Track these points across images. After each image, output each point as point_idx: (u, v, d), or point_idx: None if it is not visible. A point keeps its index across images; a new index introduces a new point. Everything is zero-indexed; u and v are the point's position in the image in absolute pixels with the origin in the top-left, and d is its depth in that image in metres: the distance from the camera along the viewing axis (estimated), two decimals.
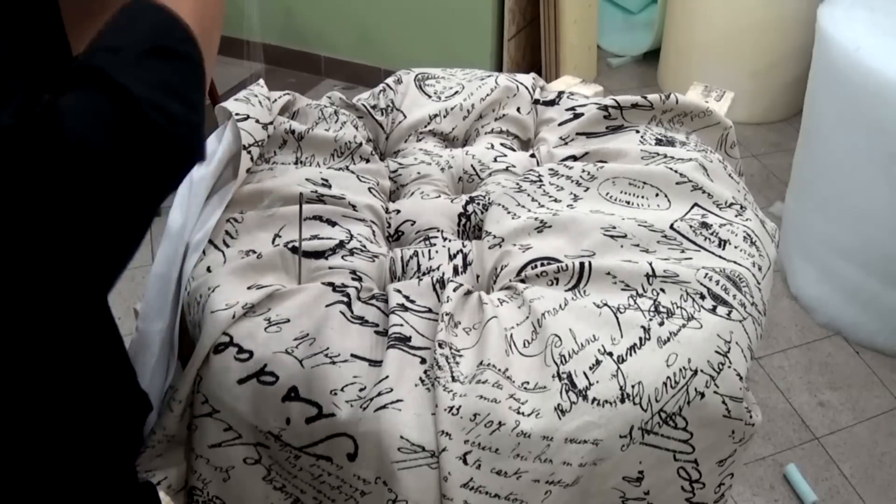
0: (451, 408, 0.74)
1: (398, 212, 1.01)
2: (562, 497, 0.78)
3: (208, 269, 0.87)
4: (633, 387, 0.77)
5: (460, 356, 0.79)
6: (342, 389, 0.76)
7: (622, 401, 0.76)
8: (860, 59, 1.70)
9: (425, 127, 1.14)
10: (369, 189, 1.01)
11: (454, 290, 0.84)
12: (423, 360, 0.78)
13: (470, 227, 1.00)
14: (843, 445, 1.70)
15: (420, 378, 0.77)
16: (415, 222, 0.99)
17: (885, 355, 1.92)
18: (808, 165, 2.00)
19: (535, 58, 2.93)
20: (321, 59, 3.08)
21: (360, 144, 1.06)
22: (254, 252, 0.89)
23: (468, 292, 0.87)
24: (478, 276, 0.92)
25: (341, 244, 0.90)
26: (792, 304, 2.06)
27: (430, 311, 0.84)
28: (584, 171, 1.01)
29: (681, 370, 0.79)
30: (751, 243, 0.94)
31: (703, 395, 0.79)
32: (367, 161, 1.07)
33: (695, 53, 2.78)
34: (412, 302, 0.84)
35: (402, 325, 0.81)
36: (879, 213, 1.77)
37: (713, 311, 0.84)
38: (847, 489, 1.62)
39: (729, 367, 0.81)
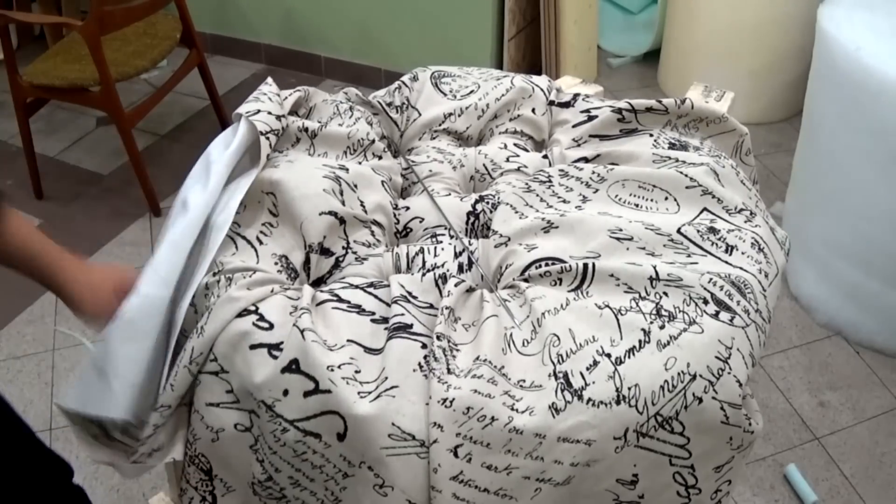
0: (445, 400, 0.74)
1: (408, 209, 1.01)
2: (551, 495, 0.78)
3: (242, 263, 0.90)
4: (629, 389, 0.77)
5: (458, 350, 0.79)
6: (339, 367, 0.77)
7: (618, 402, 0.76)
8: (860, 59, 1.70)
9: (440, 125, 1.15)
10: (382, 182, 1.02)
11: (455, 286, 0.85)
12: (424, 346, 0.79)
13: (478, 226, 1.00)
14: (844, 445, 1.70)
15: (419, 363, 0.77)
16: (423, 219, 1.00)
17: (885, 355, 1.91)
18: (808, 165, 2.01)
19: (535, 58, 2.93)
20: (321, 59, 3.08)
21: (373, 141, 1.07)
22: (286, 258, 0.92)
23: (470, 289, 0.87)
24: (482, 275, 0.92)
25: (337, 264, 0.92)
26: (792, 304, 2.06)
27: (431, 306, 0.84)
28: (594, 172, 1.01)
29: (679, 374, 0.79)
30: (758, 250, 0.93)
31: (700, 400, 0.79)
32: (380, 158, 1.07)
33: (695, 53, 2.78)
34: (414, 298, 0.84)
35: (403, 314, 0.81)
36: (879, 213, 1.77)
37: (716, 316, 0.84)
38: (847, 489, 1.62)
39: (729, 373, 0.81)
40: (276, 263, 0.91)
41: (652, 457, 0.80)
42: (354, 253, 0.93)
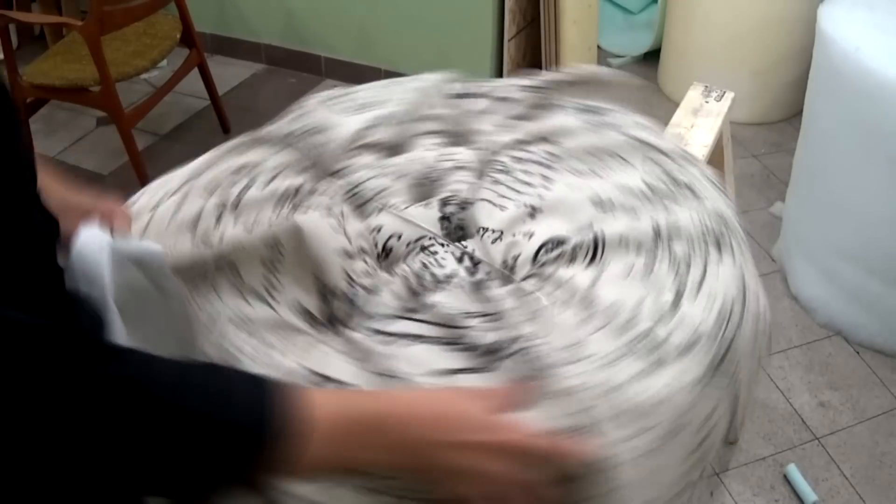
0: (584, 387, 0.76)
1: (379, 229, 0.98)
2: (680, 444, 0.83)
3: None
4: (694, 332, 0.83)
5: (546, 344, 0.80)
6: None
7: (692, 347, 0.82)
8: (860, 59, 1.70)
9: (358, 142, 1.11)
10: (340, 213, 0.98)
11: (499, 288, 0.85)
12: (523, 350, 0.79)
13: (451, 229, 1.00)
14: (844, 445, 1.70)
15: (535, 367, 0.77)
16: (401, 235, 0.99)
17: (886, 355, 1.91)
18: (808, 165, 2.00)
19: (535, 58, 2.93)
20: (321, 59, 3.08)
21: (301, 185, 1.01)
22: (309, 313, 0.86)
23: (510, 287, 0.87)
24: (488, 272, 0.93)
25: (349, 301, 0.88)
26: (792, 304, 2.06)
27: (485, 314, 0.84)
28: (545, 152, 1.04)
29: (722, 307, 0.86)
30: (712, 184, 1.01)
31: (740, 324, 0.88)
32: (312, 195, 1.01)
33: (695, 53, 2.78)
34: (472, 313, 0.83)
35: (482, 331, 0.80)
36: (879, 213, 1.77)
37: (719, 252, 0.91)
38: (847, 489, 1.62)
39: (749, 295, 0.90)
40: (296, 312, 0.86)
41: (720, 388, 0.86)
42: (361, 286, 0.89)
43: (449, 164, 1.09)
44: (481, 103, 1.19)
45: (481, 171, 1.12)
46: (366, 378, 0.76)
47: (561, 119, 1.11)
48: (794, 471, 1.62)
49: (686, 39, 2.80)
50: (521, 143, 1.09)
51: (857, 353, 1.93)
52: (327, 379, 0.76)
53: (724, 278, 0.89)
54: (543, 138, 1.09)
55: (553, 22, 2.72)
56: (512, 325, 0.81)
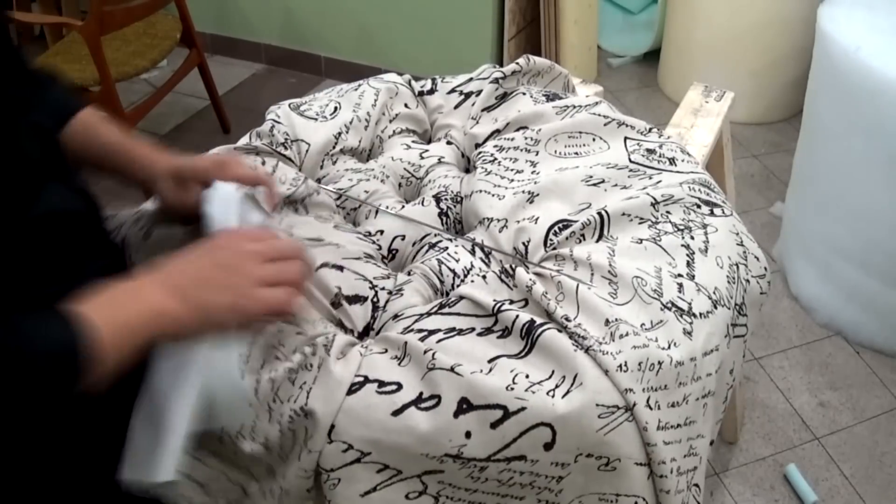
0: (620, 366, 0.77)
1: (381, 232, 0.98)
2: (710, 406, 0.86)
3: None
4: (714, 293, 0.87)
5: (586, 324, 0.81)
6: (514, 382, 0.75)
7: (715, 307, 0.87)
8: (860, 59, 1.70)
9: (334, 147, 1.11)
10: (335, 227, 0.98)
11: (521, 273, 0.85)
12: (559, 331, 0.79)
13: (450, 224, 1.01)
14: (844, 445, 1.70)
15: (572, 346, 0.78)
16: (405, 236, 0.98)
17: (886, 355, 1.91)
18: (808, 165, 2.00)
19: None
20: (321, 59, 3.08)
21: (296, 192, 1.00)
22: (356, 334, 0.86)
23: (532, 270, 0.88)
24: (501, 261, 0.93)
25: (374, 307, 0.87)
26: (792, 304, 2.06)
27: (513, 301, 0.84)
28: (526, 138, 1.06)
29: (730, 268, 0.91)
30: (687, 154, 1.05)
31: (748, 281, 0.93)
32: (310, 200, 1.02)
33: (695, 53, 2.78)
34: (505, 301, 0.84)
35: (517, 314, 0.80)
36: (879, 213, 1.77)
37: (712, 213, 0.95)
38: (847, 489, 1.62)
39: (749, 252, 0.95)
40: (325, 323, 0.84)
41: (738, 341, 0.91)
42: (383, 289, 0.89)
43: (432, 161, 1.10)
44: (448, 99, 1.21)
45: (465, 164, 1.13)
46: (415, 380, 0.76)
47: (532, 106, 1.13)
48: (794, 471, 1.62)
49: (686, 39, 2.80)
50: (500, 133, 1.11)
51: (857, 353, 1.93)
52: (382, 384, 0.76)
53: (724, 238, 0.93)
54: (521, 126, 1.11)
55: (553, 22, 2.72)
56: (543, 308, 0.81)
